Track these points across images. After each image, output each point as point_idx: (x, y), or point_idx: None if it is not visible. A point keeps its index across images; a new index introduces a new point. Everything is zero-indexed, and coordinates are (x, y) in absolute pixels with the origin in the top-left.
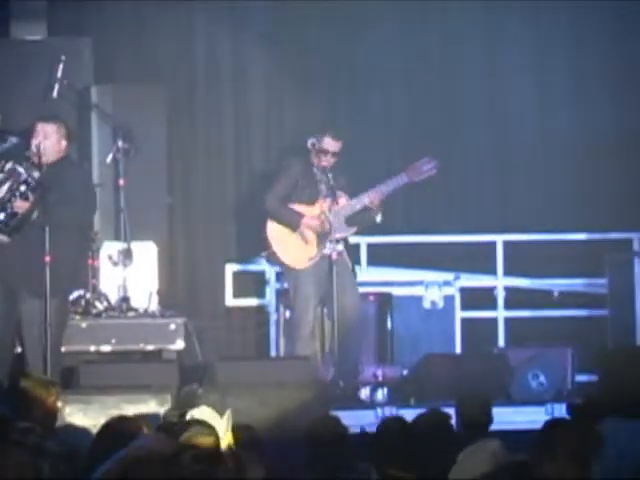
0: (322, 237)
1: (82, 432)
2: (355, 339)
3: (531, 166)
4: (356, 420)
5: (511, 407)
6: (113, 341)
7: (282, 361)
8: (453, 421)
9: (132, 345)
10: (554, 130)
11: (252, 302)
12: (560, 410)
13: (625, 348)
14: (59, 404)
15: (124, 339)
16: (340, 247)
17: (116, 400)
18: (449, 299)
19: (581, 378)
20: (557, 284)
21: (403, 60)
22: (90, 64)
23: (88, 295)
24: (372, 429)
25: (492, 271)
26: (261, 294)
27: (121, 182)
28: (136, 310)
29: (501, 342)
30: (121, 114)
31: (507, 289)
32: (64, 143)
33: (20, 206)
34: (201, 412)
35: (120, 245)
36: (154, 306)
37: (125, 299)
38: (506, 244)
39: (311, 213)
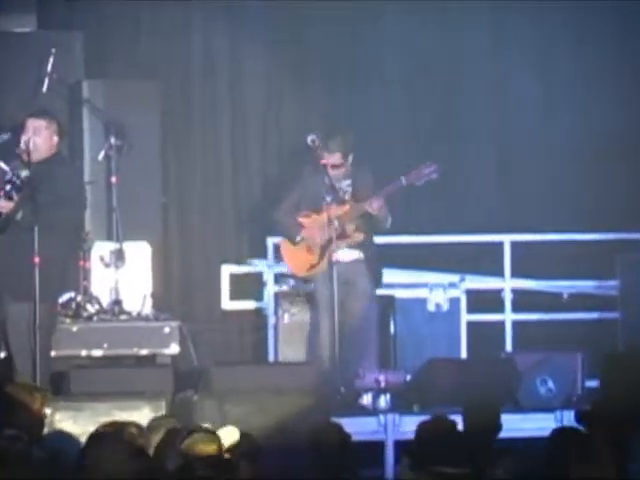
0: (326, 244)
1: (70, 439)
2: (358, 348)
3: (539, 164)
4: (358, 427)
5: (519, 414)
6: (105, 345)
7: (281, 366)
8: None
9: (125, 350)
10: (562, 128)
11: (249, 305)
12: (570, 417)
13: (631, 351)
14: (47, 410)
15: (116, 343)
16: (348, 252)
17: (108, 407)
18: (454, 302)
19: (591, 384)
20: (566, 286)
21: (404, 56)
22: (81, 58)
23: (79, 298)
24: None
25: (499, 273)
26: (259, 297)
27: (113, 180)
28: (129, 313)
29: (508, 346)
30: (113, 110)
31: (515, 291)
32: (55, 139)
33: (3, 206)
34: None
35: (112, 245)
36: (147, 309)
37: (117, 302)
38: (514, 244)
39: (316, 221)
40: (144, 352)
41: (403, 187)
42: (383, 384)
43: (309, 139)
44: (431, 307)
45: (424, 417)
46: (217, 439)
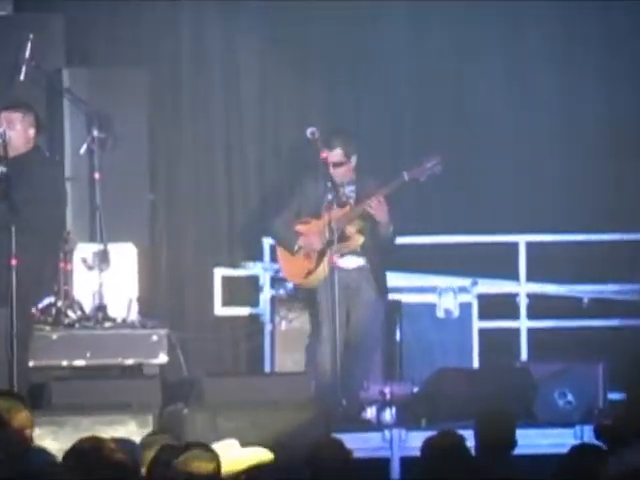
0: (325, 248)
1: (48, 457)
2: (361, 357)
3: (558, 160)
4: (361, 443)
5: (535, 429)
6: (88, 355)
7: (278, 377)
8: (469, 444)
9: (109, 359)
10: (583, 123)
11: (244, 311)
12: (590, 433)
13: None
14: (31, 430)
15: (100, 352)
16: (351, 259)
17: (91, 422)
18: (465, 307)
19: (614, 396)
20: (587, 290)
21: (410, 48)
22: (62, 44)
23: (59, 303)
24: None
25: (514, 276)
26: (254, 302)
27: (97, 176)
28: (113, 320)
29: (524, 355)
30: (97, 100)
31: (530, 296)
32: (32, 132)
33: None
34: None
35: (96, 247)
36: (134, 315)
37: (101, 307)
38: (529, 245)
39: (315, 226)
40: (130, 362)
41: (405, 183)
42: (388, 396)
43: (308, 132)
44: (440, 313)
45: (432, 432)
46: (216, 457)
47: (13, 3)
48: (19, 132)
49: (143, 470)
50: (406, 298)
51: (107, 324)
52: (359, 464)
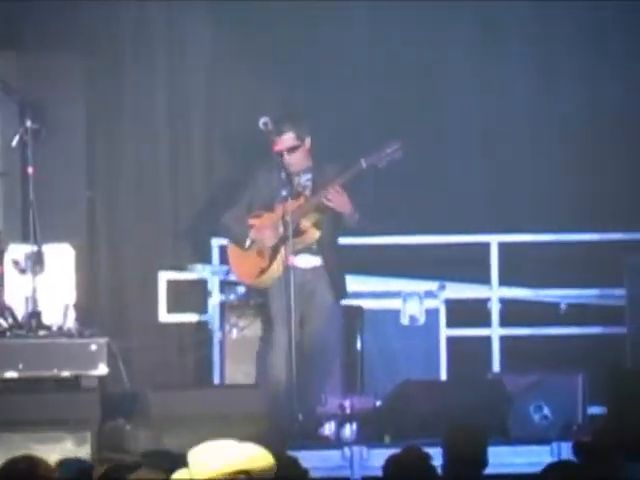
0: (278, 244)
1: None
2: (318, 368)
3: (532, 153)
4: (319, 462)
5: (509, 446)
6: (20, 366)
7: (228, 390)
8: (436, 463)
9: (43, 371)
10: (559, 114)
11: (191, 318)
12: (569, 450)
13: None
14: None
15: (34, 363)
16: (306, 257)
17: (24, 438)
18: (432, 313)
19: (594, 410)
20: (564, 295)
21: (376, 36)
22: None
23: None
24: None
25: (485, 279)
26: (202, 308)
27: (30, 170)
28: (48, 328)
29: (496, 366)
30: (29, 88)
31: (503, 301)
32: None
33: None
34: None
35: (29, 248)
36: (70, 323)
37: (35, 314)
38: (502, 246)
39: (268, 219)
40: (66, 374)
41: (363, 170)
42: (348, 410)
43: (261, 122)
44: (405, 320)
45: (396, 449)
46: (167, 475)
47: None
48: None
49: None
50: (368, 303)
51: (41, 332)
52: None
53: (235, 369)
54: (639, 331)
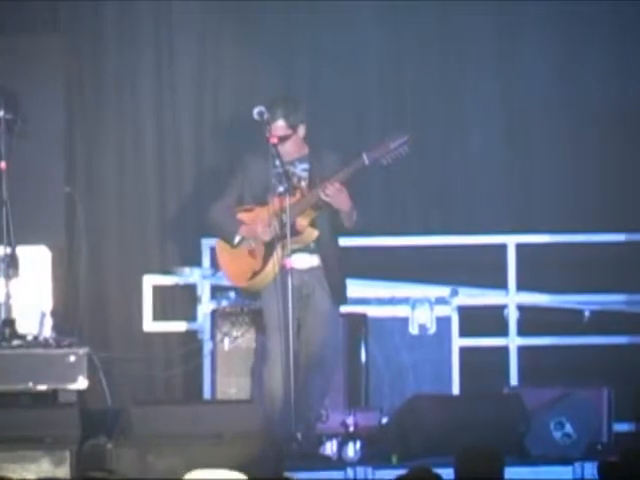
0: (272, 244)
1: None
2: (319, 381)
3: (554, 147)
4: None
5: (527, 467)
6: None
7: (219, 406)
8: None
9: (18, 384)
10: (584, 105)
11: (179, 326)
12: (593, 470)
13: None
14: None
15: (7, 377)
16: (303, 257)
17: None
18: (444, 322)
19: (621, 428)
20: (589, 301)
21: (383, 19)
22: None
23: None
24: None
25: (501, 284)
26: (191, 316)
27: (2, 165)
28: (23, 337)
29: (513, 380)
30: (2, 73)
31: (521, 308)
32: None
33: None
34: None
35: (1, 250)
36: (47, 332)
37: (8, 323)
38: (520, 248)
39: (259, 215)
40: (43, 388)
41: (365, 166)
42: (352, 428)
43: (256, 112)
44: (413, 329)
45: (404, 470)
46: None
47: None
48: None
49: None
50: (373, 311)
51: (15, 342)
52: None
53: (227, 383)
54: None
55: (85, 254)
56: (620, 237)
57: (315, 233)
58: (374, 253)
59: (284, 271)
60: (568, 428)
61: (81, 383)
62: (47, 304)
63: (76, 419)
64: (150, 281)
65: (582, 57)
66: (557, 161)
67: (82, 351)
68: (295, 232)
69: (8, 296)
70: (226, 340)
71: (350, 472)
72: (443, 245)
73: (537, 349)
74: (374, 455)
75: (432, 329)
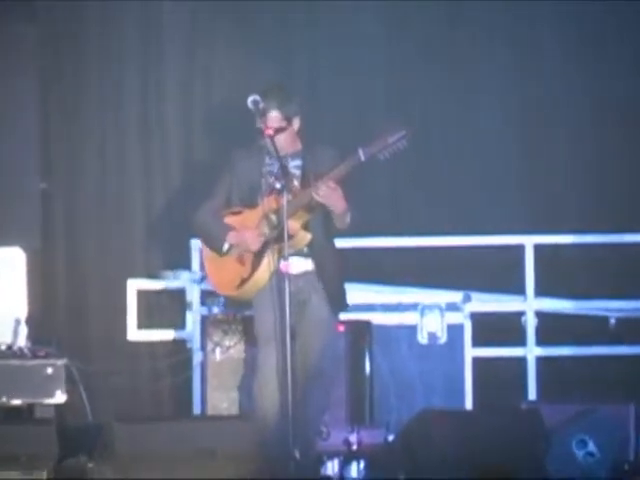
0: (262, 249)
1: None
2: (318, 395)
3: (575, 139)
4: None
5: None
6: None
7: (210, 422)
8: None
9: None
10: (605, 107)
11: (166, 335)
12: None
13: None
14: None
15: None
16: (297, 261)
17: None
18: (455, 330)
19: None
20: (614, 308)
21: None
22: None
23: None
24: None
25: (518, 289)
26: (179, 323)
27: None
28: None
29: (532, 394)
30: None
31: (540, 315)
32: None
33: None
34: None
35: None
36: (22, 341)
37: None
38: (539, 249)
39: (248, 219)
40: (17, 402)
41: (361, 163)
42: (355, 446)
43: (250, 100)
44: (423, 338)
45: None
46: None
47: None
48: None
49: None
50: (377, 318)
51: None
52: None
53: (219, 397)
54: None
55: (63, 256)
56: None
57: (308, 237)
58: (379, 255)
59: (280, 276)
60: (592, 446)
61: (59, 397)
62: (22, 311)
63: (53, 436)
64: (135, 285)
65: (602, 50)
66: (580, 155)
67: (60, 362)
68: (287, 236)
69: None
70: (218, 350)
71: None
72: (454, 246)
73: (558, 360)
74: (379, 475)
75: (443, 338)
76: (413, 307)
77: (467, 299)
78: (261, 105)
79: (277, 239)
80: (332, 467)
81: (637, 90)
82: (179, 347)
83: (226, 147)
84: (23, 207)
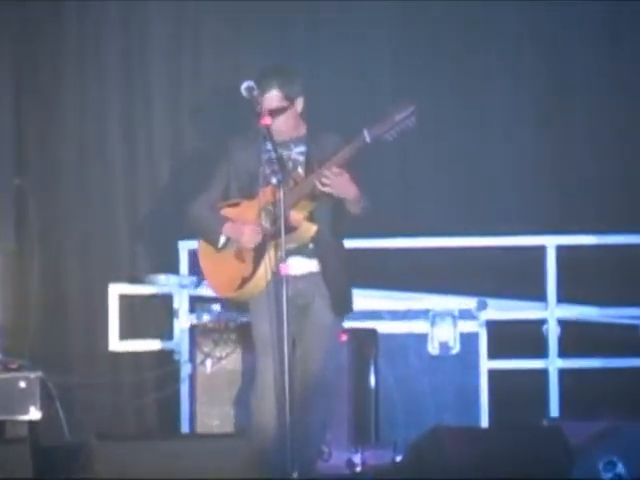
0: (263, 245)
1: None
2: (319, 411)
3: (599, 135)
4: None
5: None
6: None
7: (200, 440)
8: None
9: None
10: (632, 97)
11: (152, 345)
12: None
13: None
14: None
15: None
16: (298, 261)
17: None
18: (470, 340)
19: None
20: None
21: None
22: None
23: None
24: None
25: (539, 295)
26: (166, 332)
27: None
28: None
29: (554, 410)
30: None
31: (563, 323)
32: None
33: None
34: None
35: None
36: None
37: None
38: (561, 251)
39: (247, 210)
40: None
41: (367, 145)
42: (359, 468)
43: (244, 87)
44: (434, 348)
45: None
46: None
47: None
48: None
49: None
50: (384, 326)
51: None
52: None
53: (209, 413)
54: None
55: (39, 258)
56: None
57: (313, 228)
58: (385, 257)
59: (277, 278)
60: (620, 468)
61: (33, 414)
62: None
63: (27, 457)
64: (117, 291)
65: (627, 43)
66: (603, 149)
67: (34, 375)
68: (289, 228)
69: None
70: (208, 362)
71: None
72: (468, 247)
73: (582, 373)
74: None
75: (456, 348)
76: (423, 314)
77: (482, 306)
78: (256, 92)
79: (278, 233)
80: None
81: None
82: (166, 358)
83: (216, 137)
84: None
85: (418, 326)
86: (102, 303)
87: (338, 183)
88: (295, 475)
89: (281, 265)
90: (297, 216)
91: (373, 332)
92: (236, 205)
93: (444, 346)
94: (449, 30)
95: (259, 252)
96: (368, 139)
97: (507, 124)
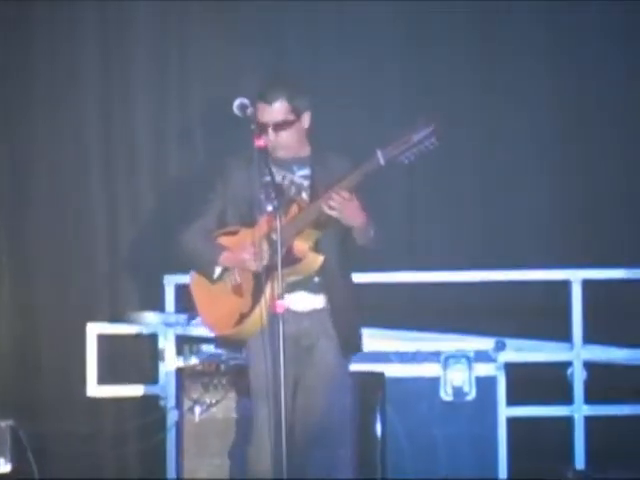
0: (262, 279)
1: None
2: (321, 460)
3: (629, 161)
4: None
5: None
6: None
7: None
8: None
9: None
10: None
11: (134, 390)
12: None
13: None
14: None
15: None
16: (303, 296)
17: None
18: (487, 384)
19: None
20: None
21: None
22: None
23: None
24: None
25: (563, 334)
26: (151, 376)
27: None
28: None
29: (580, 461)
30: None
31: (590, 366)
32: None
33: None
34: None
35: None
36: None
37: None
38: (588, 286)
39: (246, 239)
40: None
41: (381, 168)
42: None
43: (236, 105)
44: (447, 394)
45: None
46: None
47: None
48: None
49: None
50: (393, 369)
51: None
52: None
53: (198, 465)
54: None
55: (7, 292)
56: None
57: (319, 259)
58: (393, 293)
59: (273, 316)
60: None
61: (3, 466)
62: None
63: None
64: (96, 330)
65: None
66: (633, 175)
67: (4, 424)
68: (293, 259)
69: None
70: (197, 409)
71: None
72: (485, 282)
73: (610, 421)
74: None
75: (471, 394)
76: (435, 356)
77: (500, 347)
78: (249, 110)
79: (282, 265)
80: None
81: None
82: (150, 405)
83: (207, 159)
84: None
85: (429, 369)
86: (79, 344)
87: (347, 209)
88: None
89: (277, 302)
90: (302, 246)
91: (380, 376)
92: (234, 233)
93: (458, 391)
94: (465, 45)
95: (259, 286)
96: (382, 161)
97: (529, 149)
